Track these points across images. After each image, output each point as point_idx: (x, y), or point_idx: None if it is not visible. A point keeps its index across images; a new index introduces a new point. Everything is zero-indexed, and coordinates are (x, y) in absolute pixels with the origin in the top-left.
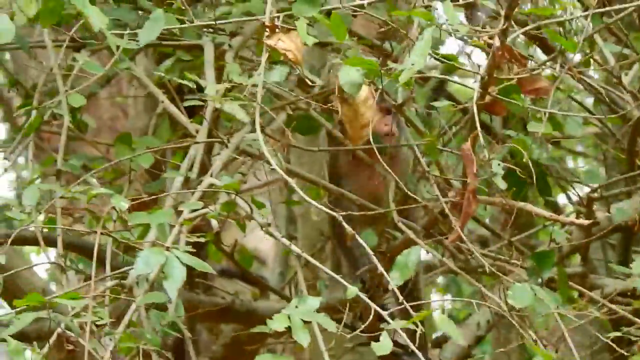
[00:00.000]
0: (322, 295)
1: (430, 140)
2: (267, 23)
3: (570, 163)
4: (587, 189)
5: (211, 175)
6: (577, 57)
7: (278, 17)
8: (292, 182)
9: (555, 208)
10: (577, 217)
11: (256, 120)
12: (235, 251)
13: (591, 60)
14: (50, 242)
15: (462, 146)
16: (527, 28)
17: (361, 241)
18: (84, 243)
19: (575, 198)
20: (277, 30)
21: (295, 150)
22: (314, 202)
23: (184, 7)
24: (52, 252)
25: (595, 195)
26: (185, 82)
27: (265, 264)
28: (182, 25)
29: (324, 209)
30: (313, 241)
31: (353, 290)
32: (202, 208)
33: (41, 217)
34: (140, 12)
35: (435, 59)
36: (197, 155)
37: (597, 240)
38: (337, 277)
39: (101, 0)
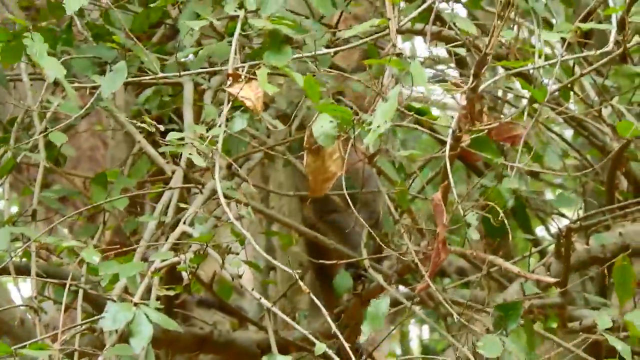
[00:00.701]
0: (300, 326)
1: (401, 189)
2: (229, 72)
3: (549, 195)
4: (566, 221)
5: (184, 222)
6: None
7: (242, 67)
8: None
9: (534, 240)
10: (557, 250)
11: (216, 174)
12: (214, 282)
13: (571, 92)
14: (25, 272)
15: (432, 196)
16: (497, 77)
17: None
18: (60, 273)
19: (554, 230)
20: (240, 78)
21: (275, 176)
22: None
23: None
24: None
25: (575, 226)
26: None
27: (244, 295)
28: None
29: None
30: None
31: (321, 347)
32: (175, 256)
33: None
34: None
35: (407, 113)
36: (173, 199)
37: (575, 272)
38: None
39: (81, 38)
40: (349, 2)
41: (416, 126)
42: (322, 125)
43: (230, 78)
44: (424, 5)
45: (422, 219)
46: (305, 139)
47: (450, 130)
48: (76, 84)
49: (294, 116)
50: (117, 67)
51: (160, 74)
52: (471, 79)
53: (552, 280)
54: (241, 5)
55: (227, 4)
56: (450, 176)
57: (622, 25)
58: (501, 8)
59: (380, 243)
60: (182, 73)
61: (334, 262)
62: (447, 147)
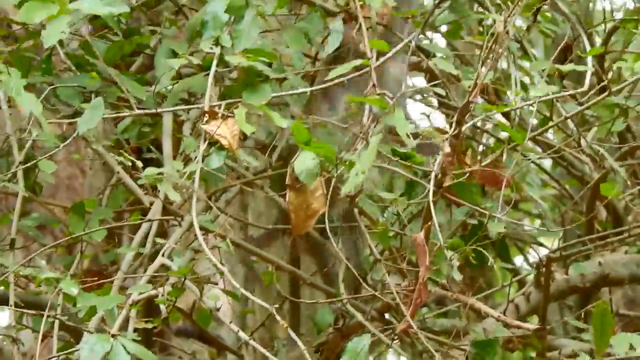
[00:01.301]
0: (279, 355)
1: (382, 228)
2: (206, 109)
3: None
4: (545, 251)
5: (163, 255)
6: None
7: (219, 105)
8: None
9: (513, 270)
10: (536, 279)
11: (193, 209)
12: (193, 310)
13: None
14: (3, 302)
15: (414, 236)
16: (475, 120)
17: None
18: (38, 302)
19: (533, 260)
20: (217, 116)
21: (255, 205)
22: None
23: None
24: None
25: (555, 255)
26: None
27: (222, 323)
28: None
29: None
30: (270, 301)
31: None
32: (153, 288)
33: None
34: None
35: (392, 158)
36: (151, 231)
37: (555, 301)
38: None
39: (61, 68)
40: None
41: (399, 170)
42: (304, 162)
43: (207, 115)
44: (404, 42)
45: (404, 254)
46: (288, 176)
47: (433, 175)
48: (54, 120)
49: (273, 147)
50: (94, 103)
51: (138, 112)
52: (454, 126)
53: (532, 327)
54: (217, 42)
55: (203, 41)
56: (433, 217)
57: (600, 63)
58: (485, 55)
59: (362, 281)
60: (159, 110)
61: (313, 301)
62: (430, 190)
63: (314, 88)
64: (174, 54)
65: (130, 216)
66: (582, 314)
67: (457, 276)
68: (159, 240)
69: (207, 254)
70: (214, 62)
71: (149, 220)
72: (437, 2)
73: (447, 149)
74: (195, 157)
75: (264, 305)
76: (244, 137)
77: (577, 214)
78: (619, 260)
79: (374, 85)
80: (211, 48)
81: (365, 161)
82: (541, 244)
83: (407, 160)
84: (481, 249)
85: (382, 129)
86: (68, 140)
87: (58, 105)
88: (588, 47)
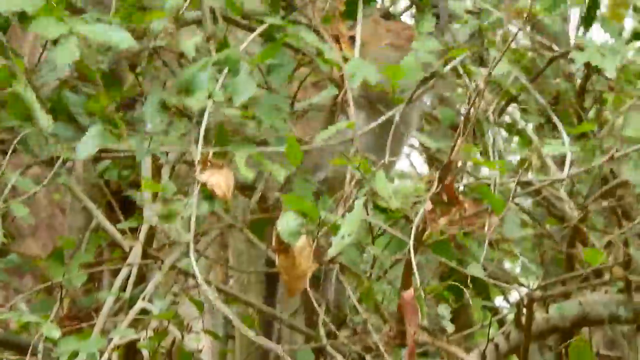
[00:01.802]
0: None
1: (366, 286)
2: (197, 159)
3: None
4: (524, 291)
5: (143, 299)
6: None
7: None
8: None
9: (493, 310)
10: (517, 319)
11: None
12: (172, 349)
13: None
14: None
15: (402, 294)
16: (457, 186)
17: None
18: (19, 342)
19: (513, 299)
20: (208, 164)
21: (235, 245)
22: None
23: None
24: None
25: (536, 295)
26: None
27: None
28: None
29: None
30: (251, 341)
31: None
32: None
33: None
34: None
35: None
36: (131, 275)
37: (535, 341)
38: None
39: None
40: (308, 74)
41: (381, 223)
42: (287, 223)
43: (199, 164)
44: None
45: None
46: (274, 238)
47: (413, 232)
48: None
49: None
50: (92, 131)
51: (117, 154)
52: (436, 183)
53: None
54: (210, 95)
55: (195, 93)
56: (416, 275)
57: (580, 103)
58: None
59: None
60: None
61: (294, 347)
62: (411, 246)
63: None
64: (164, 104)
65: (110, 260)
66: (562, 353)
67: (450, 328)
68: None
69: (188, 296)
70: (206, 114)
71: (129, 265)
72: (421, 80)
73: (430, 206)
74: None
75: (246, 337)
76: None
77: (557, 254)
78: (599, 300)
79: (357, 149)
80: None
81: (351, 224)
82: (521, 284)
83: (391, 216)
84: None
85: (366, 192)
86: (44, 182)
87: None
88: None
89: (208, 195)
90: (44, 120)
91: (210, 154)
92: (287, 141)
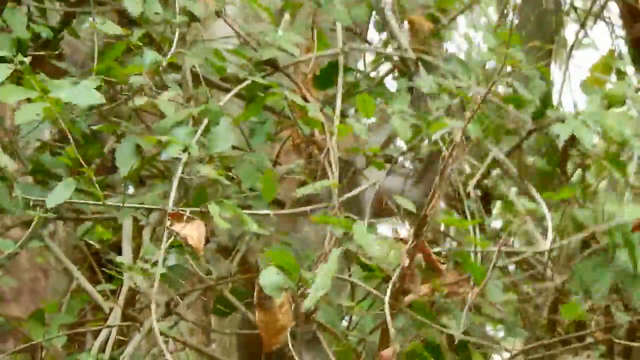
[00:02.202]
0: None
1: (345, 347)
2: (169, 211)
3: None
4: (506, 355)
5: None
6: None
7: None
8: None
9: None
10: None
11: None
12: None
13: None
14: None
15: (381, 354)
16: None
17: None
18: None
19: None
20: (181, 218)
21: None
22: None
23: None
24: None
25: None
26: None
27: None
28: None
29: None
30: None
31: None
32: None
33: None
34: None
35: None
36: (111, 337)
37: None
38: None
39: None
40: (288, 137)
41: (359, 282)
42: (269, 277)
43: (171, 218)
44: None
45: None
46: (255, 294)
47: (389, 291)
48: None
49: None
50: (65, 182)
51: (98, 216)
52: (411, 239)
53: None
54: (186, 149)
55: (170, 147)
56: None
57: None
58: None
59: None
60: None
61: None
62: (387, 305)
63: (274, 212)
64: (138, 150)
65: (91, 321)
66: None
67: None
68: None
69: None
70: (179, 169)
71: (108, 327)
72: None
73: (406, 262)
74: (155, 260)
75: None
76: (206, 240)
77: (539, 318)
78: None
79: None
80: (179, 154)
81: (325, 277)
82: (504, 348)
83: (370, 272)
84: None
85: (342, 250)
86: (19, 242)
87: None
88: None
89: (180, 247)
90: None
91: (188, 211)
92: (263, 176)
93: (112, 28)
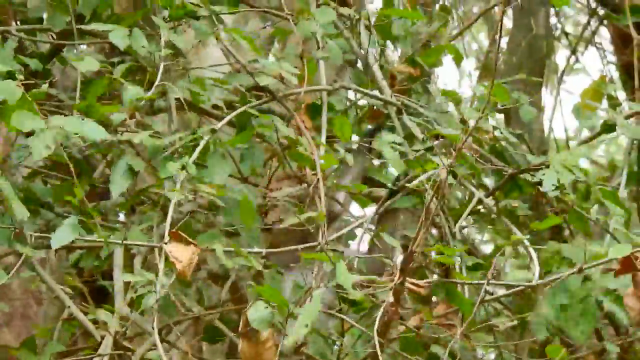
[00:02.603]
0: None
1: None
2: (167, 231)
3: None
4: None
5: None
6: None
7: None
8: None
9: None
10: None
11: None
12: None
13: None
14: None
15: None
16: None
17: None
18: None
19: None
20: (178, 239)
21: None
22: None
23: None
24: None
25: None
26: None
27: None
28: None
29: None
30: None
31: None
32: None
33: None
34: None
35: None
36: None
37: None
38: None
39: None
40: (279, 165)
41: (346, 318)
42: (258, 311)
43: (171, 237)
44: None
45: None
46: (241, 324)
47: (377, 324)
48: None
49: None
50: (69, 221)
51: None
52: (397, 274)
53: None
54: (183, 167)
55: (169, 164)
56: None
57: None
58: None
59: None
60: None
61: None
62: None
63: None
64: (131, 172)
65: (83, 348)
66: None
67: None
68: None
69: None
70: (178, 186)
71: (100, 355)
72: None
73: (391, 299)
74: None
75: None
76: (197, 267)
77: (532, 343)
78: None
79: (326, 243)
80: (175, 174)
81: (309, 313)
82: None
83: (355, 307)
84: None
85: (327, 284)
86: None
87: None
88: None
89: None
90: (20, 211)
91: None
92: (240, 203)
93: (90, 65)
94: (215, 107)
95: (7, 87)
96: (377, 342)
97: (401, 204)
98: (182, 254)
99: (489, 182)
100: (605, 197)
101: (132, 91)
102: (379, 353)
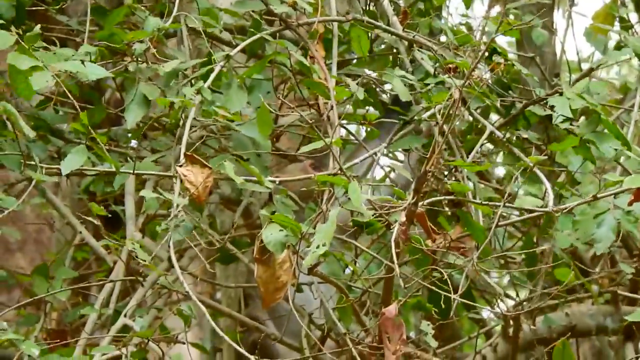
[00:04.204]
0: None
1: (346, 303)
2: (183, 152)
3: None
4: (511, 303)
5: (125, 315)
6: None
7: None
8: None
9: (481, 321)
10: (504, 331)
11: (173, 260)
12: None
13: None
14: None
15: (384, 311)
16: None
17: None
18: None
19: (500, 311)
20: (193, 161)
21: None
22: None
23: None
24: None
25: (522, 308)
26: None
27: None
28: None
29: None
30: (238, 355)
31: None
32: (117, 348)
33: None
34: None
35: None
36: (114, 291)
37: (522, 352)
38: None
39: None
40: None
41: (358, 244)
42: (272, 233)
43: (187, 159)
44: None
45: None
46: (255, 249)
47: (393, 243)
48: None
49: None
50: (77, 149)
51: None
52: (411, 194)
53: None
54: (198, 91)
55: (185, 88)
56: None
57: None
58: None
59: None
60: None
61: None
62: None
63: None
64: (146, 100)
65: (95, 273)
66: None
67: (433, 344)
68: None
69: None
70: (192, 110)
71: (112, 281)
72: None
73: (403, 218)
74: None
75: (234, 350)
76: (209, 192)
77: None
78: (585, 312)
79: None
80: (192, 96)
81: (325, 233)
82: (508, 296)
83: (368, 229)
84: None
85: (341, 204)
86: (21, 199)
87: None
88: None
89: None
90: (27, 130)
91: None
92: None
93: None
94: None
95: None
96: (394, 255)
97: (411, 144)
98: (197, 178)
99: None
100: (608, 129)
101: (153, 22)
102: (395, 265)
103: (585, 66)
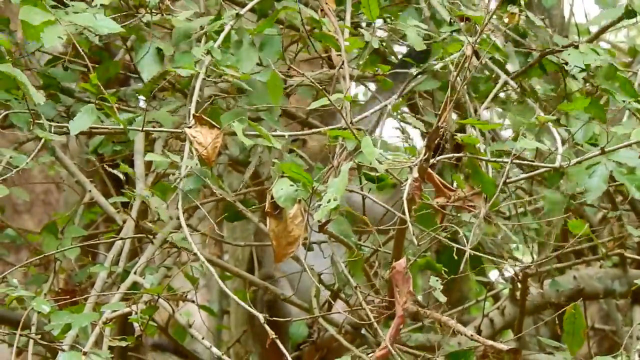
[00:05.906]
0: None
1: (357, 258)
2: (192, 112)
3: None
4: (519, 265)
5: (135, 273)
6: None
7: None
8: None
9: (488, 284)
10: (511, 294)
11: (181, 218)
12: (169, 325)
13: None
14: None
15: (394, 265)
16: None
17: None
18: (14, 316)
19: (508, 274)
20: (202, 122)
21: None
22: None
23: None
24: None
25: (530, 270)
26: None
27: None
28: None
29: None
30: (245, 315)
31: None
32: (127, 306)
33: None
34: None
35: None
36: (124, 249)
37: (530, 315)
38: None
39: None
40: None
41: (370, 196)
42: (283, 188)
43: (195, 120)
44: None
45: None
46: (267, 203)
47: (405, 199)
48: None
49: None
50: (86, 108)
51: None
52: (423, 151)
53: (505, 347)
54: (208, 52)
55: (195, 48)
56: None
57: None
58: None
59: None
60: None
61: (287, 319)
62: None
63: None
64: (160, 56)
65: (104, 232)
66: (557, 328)
67: (442, 299)
68: None
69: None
70: (203, 69)
71: (122, 239)
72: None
73: (416, 174)
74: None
75: (243, 310)
76: (218, 153)
77: (552, 229)
78: (593, 275)
79: (351, 122)
80: (202, 56)
81: (337, 188)
82: (516, 259)
83: (379, 184)
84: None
85: (353, 159)
86: (31, 157)
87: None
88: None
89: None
90: (37, 96)
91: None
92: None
93: None
94: None
95: None
96: (407, 210)
97: (425, 87)
98: (206, 139)
99: (511, 67)
100: (621, 84)
101: None
102: (408, 217)
103: (593, 29)
